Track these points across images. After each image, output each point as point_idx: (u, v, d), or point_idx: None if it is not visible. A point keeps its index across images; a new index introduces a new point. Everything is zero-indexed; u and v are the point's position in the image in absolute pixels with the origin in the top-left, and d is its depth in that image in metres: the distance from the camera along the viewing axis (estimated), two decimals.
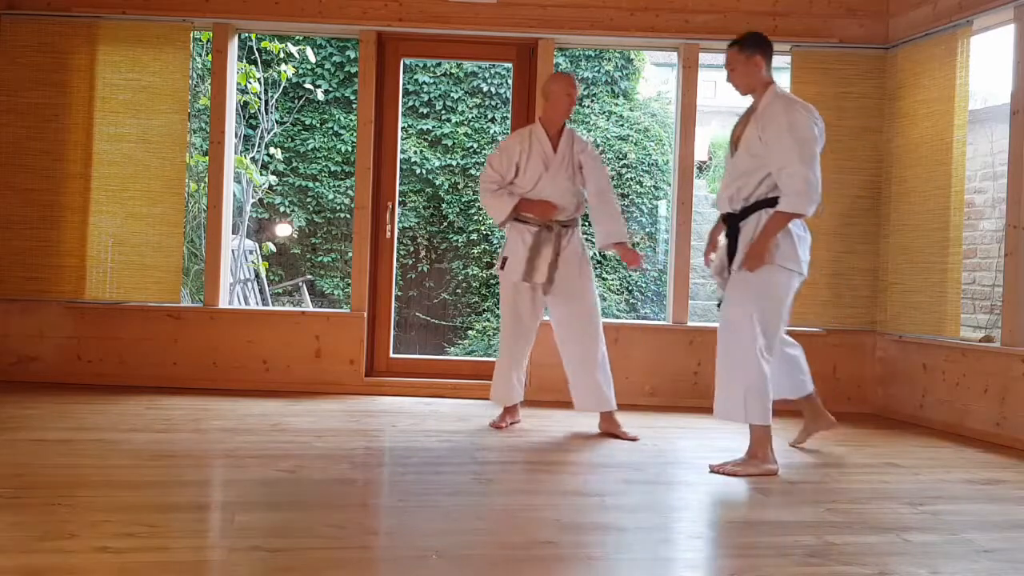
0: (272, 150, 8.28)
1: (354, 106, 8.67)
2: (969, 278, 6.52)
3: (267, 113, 8.10)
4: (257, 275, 8.12)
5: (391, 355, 5.83)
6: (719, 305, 3.92)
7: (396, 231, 5.81)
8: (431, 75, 9.25)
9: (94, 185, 5.48)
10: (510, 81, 6.92)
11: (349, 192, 8.92)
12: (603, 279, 9.08)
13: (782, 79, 5.07)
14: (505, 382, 4.63)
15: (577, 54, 9.47)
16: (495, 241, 9.07)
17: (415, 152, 9.10)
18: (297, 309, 7.84)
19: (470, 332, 9.00)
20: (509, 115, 6.14)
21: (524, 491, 3.46)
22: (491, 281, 9.10)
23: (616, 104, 9.66)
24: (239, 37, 5.88)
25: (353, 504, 3.15)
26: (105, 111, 5.50)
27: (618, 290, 9.15)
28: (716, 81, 19.64)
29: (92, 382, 5.45)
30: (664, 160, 9.45)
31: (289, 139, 9.04)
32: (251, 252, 8.11)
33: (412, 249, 9.32)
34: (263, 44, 7.75)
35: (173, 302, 5.53)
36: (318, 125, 9.12)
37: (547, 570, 2.53)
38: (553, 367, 4.98)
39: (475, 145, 9.23)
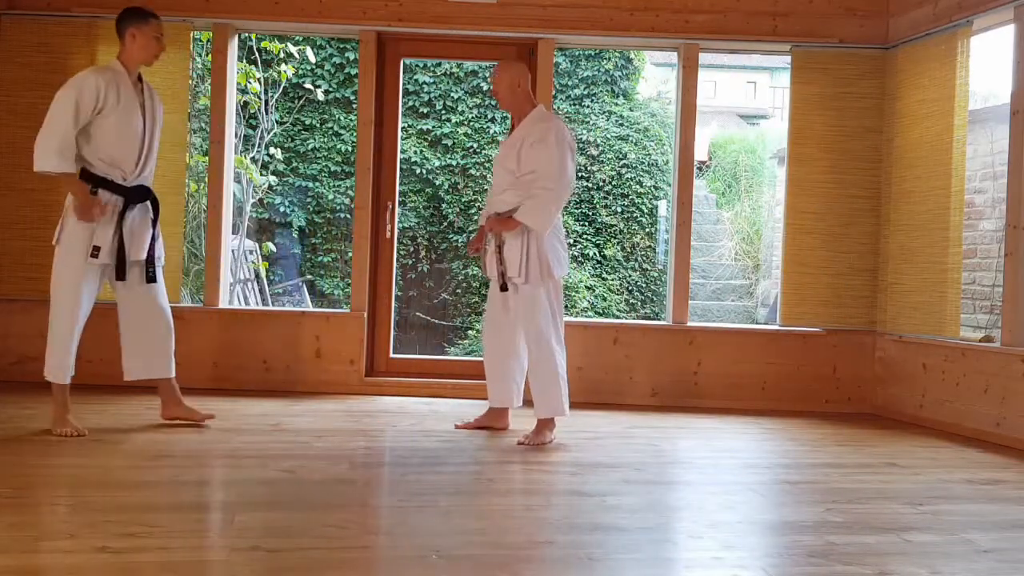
0: (272, 150, 8.27)
1: (354, 106, 8.67)
2: (969, 278, 6.52)
3: (267, 113, 8.09)
4: (257, 275, 8.11)
5: (391, 355, 5.82)
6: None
7: (396, 231, 5.81)
8: (431, 75, 9.25)
9: None
10: None
11: (349, 192, 8.92)
12: (603, 279, 9.08)
13: (783, 79, 5.06)
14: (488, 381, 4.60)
15: (577, 54, 9.46)
16: None
17: (415, 152, 9.10)
18: (297, 309, 7.83)
19: (470, 332, 8.99)
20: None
21: (524, 491, 3.46)
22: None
23: (616, 104, 9.65)
24: (239, 37, 5.88)
25: (353, 504, 3.15)
26: None
27: (618, 290, 9.14)
28: (716, 81, 19.69)
29: (92, 382, 5.44)
30: (664, 160, 9.44)
31: (289, 139, 9.03)
32: (251, 252, 8.10)
33: (412, 249, 9.31)
34: (263, 44, 7.74)
35: (173, 302, 5.49)
36: (318, 125, 9.11)
37: (547, 570, 2.53)
38: None
39: (475, 145, 9.22)
